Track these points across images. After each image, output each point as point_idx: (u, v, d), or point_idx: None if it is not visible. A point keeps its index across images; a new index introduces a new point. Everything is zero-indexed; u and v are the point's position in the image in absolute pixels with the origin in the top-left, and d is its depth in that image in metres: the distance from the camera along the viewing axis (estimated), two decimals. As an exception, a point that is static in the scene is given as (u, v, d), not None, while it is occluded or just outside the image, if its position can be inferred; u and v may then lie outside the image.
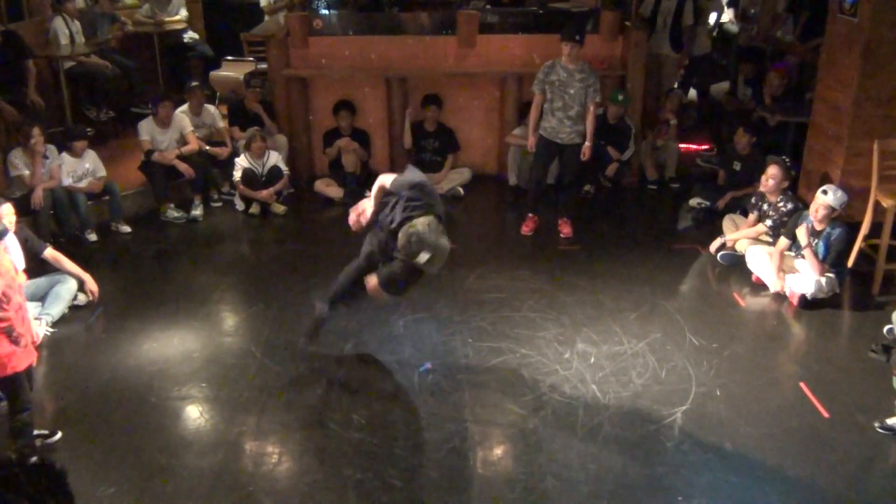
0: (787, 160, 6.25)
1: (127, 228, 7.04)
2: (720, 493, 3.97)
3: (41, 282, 5.56)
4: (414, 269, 4.32)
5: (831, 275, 5.69)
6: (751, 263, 6.10)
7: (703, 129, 9.29)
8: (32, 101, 7.79)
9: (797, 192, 6.79)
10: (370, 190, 4.90)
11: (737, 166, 7.27)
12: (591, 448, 4.27)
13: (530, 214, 6.99)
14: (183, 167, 7.24)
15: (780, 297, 5.86)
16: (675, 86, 9.33)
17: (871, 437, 4.37)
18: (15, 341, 3.90)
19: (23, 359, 3.98)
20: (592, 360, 5.08)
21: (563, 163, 6.79)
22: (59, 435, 4.33)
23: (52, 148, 6.76)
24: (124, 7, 9.92)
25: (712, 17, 10.09)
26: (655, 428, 4.43)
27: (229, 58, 10.22)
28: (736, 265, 6.29)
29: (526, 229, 6.95)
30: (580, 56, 6.48)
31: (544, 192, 7.08)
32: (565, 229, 6.92)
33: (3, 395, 4.56)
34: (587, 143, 6.54)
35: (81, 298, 5.68)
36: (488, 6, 9.18)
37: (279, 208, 7.50)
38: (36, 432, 4.25)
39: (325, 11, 9.14)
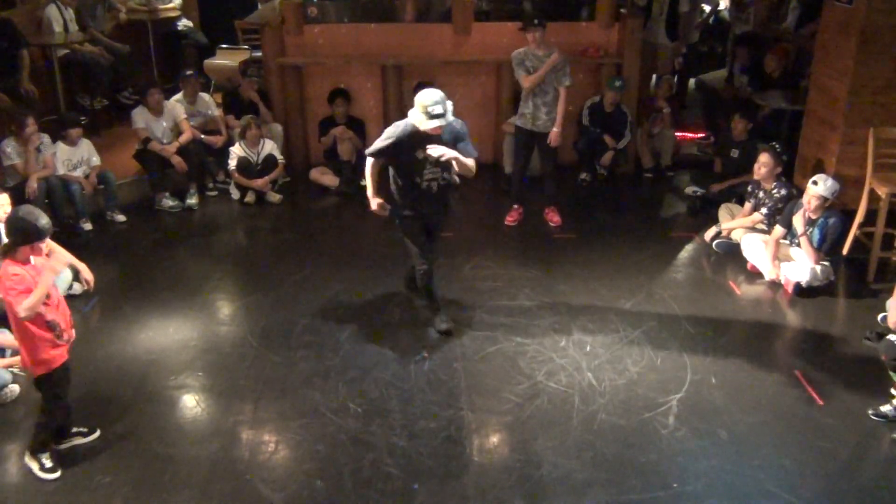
0: (778, 146, 6.26)
1: (122, 217, 7.03)
2: (715, 480, 4.00)
3: (36, 271, 5.55)
4: None
5: (826, 263, 5.71)
6: (746, 251, 6.11)
7: (680, 112, 9.26)
8: (26, 90, 7.73)
9: (792, 181, 6.79)
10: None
11: (734, 153, 7.28)
12: (586, 436, 4.29)
13: (515, 206, 6.99)
14: (176, 160, 7.22)
15: (776, 285, 5.87)
16: (675, 76, 9.34)
17: (864, 425, 4.40)
18: (59, 336, 3.93)
19: (62, 355, 3.99)
20: (588, 348, 5.09)
21: (541, 152, 6.79)
22: (97, 433, 4.30)
23: (45, 137, 6.73)
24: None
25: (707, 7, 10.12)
26: (651, 415, 4.45)
27: (224, 46, 10.17)
28: (731, 253, 6.30)
29: (510, 220, 6.96)
30: (546, 40, 6.47)
31: (537, 181, 7.08)
32: (554, 218, 6.94)
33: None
34: (555, 129, 6.54)
35: (77, 288, 5.67)
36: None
37: (275, 197, 7.49)
38: (74, 429, 4.25)
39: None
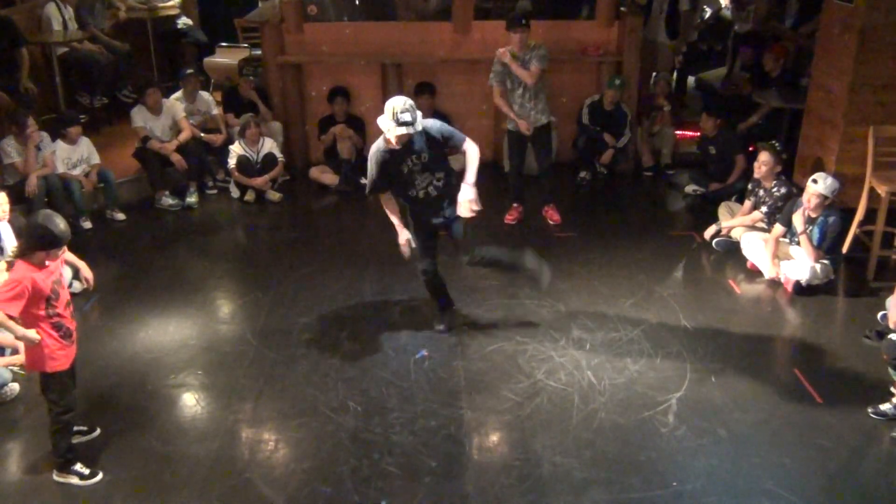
0: (777, 144, 6.27)
1: (122, 216, 7.04)
2: (714, 478, 4.00)
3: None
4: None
5: (826, 261, 5.71)
6: (746, 250, 6.11)
7: (680, 111, 9.27)
8: (26, 89, 7.73)
9: (792, 179, 6.79)
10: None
11: (712, 150, 7.39)
12: (586, 434, 4.29)
13: (514, 204, 6.99)
14: (175, 158, 7.22)
15: (775, 283, 5.87)
16: (674, 75, 9.34)
17: (864, 423, 4.40)
18: (65, 337, 3.91)
19: (68, 357, 3.96)
20: (588, 346, 5.09)
21: (536, 148, 6.78)
22: (97, 432, 4.29)
23: (45, 136, 6.73)
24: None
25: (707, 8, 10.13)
26: (650, 414, 4.45)
27: (223, 44, 10.16)
28: (731, 252, 6.30)
29: (510, 218, 6.96)
30: (529, 38, 6.43)
31: (535, 179, 7.08)
32: (553, 216, 6.93)
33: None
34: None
35: (76, 286, 5.65)
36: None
37: (274, 195, 7.49)
38: (75, 428, 4.20)
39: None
